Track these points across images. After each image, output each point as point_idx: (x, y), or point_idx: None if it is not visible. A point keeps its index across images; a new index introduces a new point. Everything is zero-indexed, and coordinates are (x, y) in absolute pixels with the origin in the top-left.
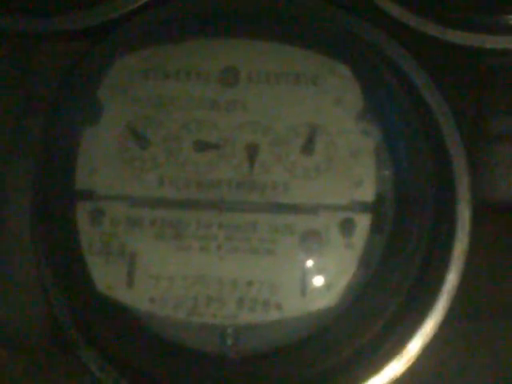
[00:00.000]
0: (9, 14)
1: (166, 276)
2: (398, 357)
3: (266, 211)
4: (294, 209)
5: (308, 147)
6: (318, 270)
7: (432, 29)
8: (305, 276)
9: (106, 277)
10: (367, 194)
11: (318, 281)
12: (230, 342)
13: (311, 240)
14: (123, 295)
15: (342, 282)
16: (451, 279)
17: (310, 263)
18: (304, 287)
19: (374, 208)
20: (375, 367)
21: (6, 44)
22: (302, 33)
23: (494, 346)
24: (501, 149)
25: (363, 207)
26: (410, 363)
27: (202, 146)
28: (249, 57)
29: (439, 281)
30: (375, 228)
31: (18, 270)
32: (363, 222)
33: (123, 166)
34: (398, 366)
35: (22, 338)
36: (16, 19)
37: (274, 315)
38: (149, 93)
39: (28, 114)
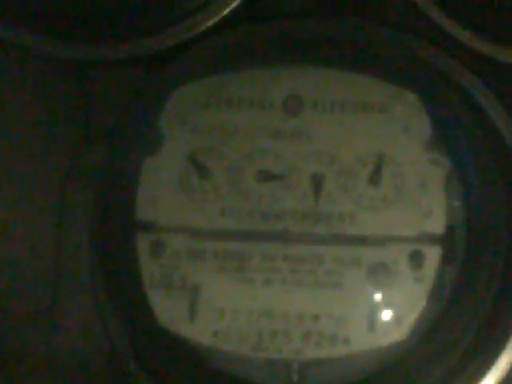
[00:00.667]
0: (71, 42)
1: (230, 309)
2: None
3: (332, 243)
4: (361, 241)
5: (375, 177)
6: (387, 304)
7: (505, 55)
8: (373, 310)
9: (167, 310)
10: (437, 225)
11: (387, 315)
12: (295, 377)
13: (379, 273)
14: (185, 329)
15: (412, 316)
16: None
17: (378, 297)
18: (372, 321)
19: (445, 240)
20: None
21: (67, 72)
22: (368, 60)
23: None
24: None
25: (433, 239)
26: None
27: (265, 177)
28: (313, 85)
29: None
30: (446, 260)
31: (78, 305)
32: (433, 254)
33: (184, 196)
34: None
35: (81, 370)
36: (77, 47)
37: (341, 350)
38: (210, 122)
39: (87, 142)
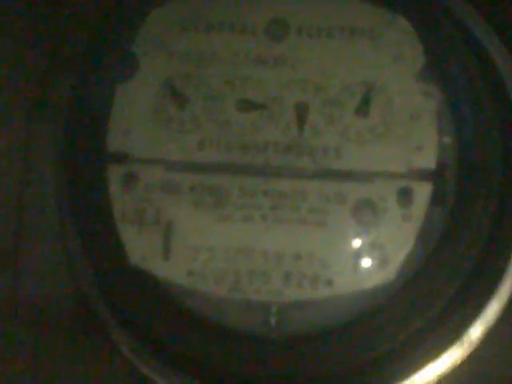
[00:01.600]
0: None
1: (206, 247)
2: (458, 342)
3: (316, 178)
4: (347, 176)
5: (363, 108)
6: (373, 244)
7: None
8: (358, 250)
9: (139, 247)
10: (428, 160)
11: (373, 256)
12: (273, 321)
13: (365, 210)
14: (158, 268)
15: (399, 257)
16: None
17: (363, 236)
18: (357, 262)
19: (435, 176)
20: (433, 353)
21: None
22: None
23: None
24: None
25: (423, 175)
26: (471, 349)
27: (246, 106)
28: (299, 8)
29: (504, 261)
30: (436, 198)
31: (42, 242)
32: (423, 191)
33: (160, 126)
34: (457, 352)
35: (47, 317)
36: None
37: (323, 292)
38: (188, 47)
39: (53, 71)
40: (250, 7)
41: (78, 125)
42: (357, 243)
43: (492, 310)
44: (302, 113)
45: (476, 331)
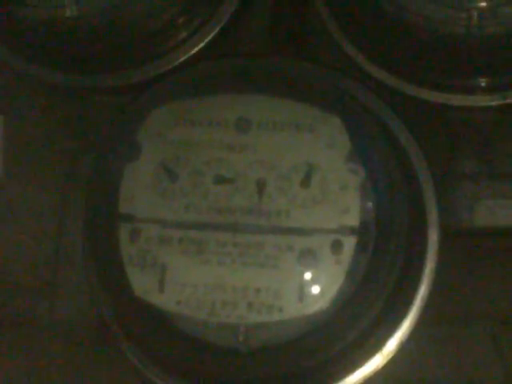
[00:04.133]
0: (73, 73)
1: (190, 284)
2: (379, 353)
3: (271, 233)
4: (294, 232)
5: (306, 182)
6: (313, 281)
7: (409, 89)
8: (302, 285)
9: (141, 283)
10: (353, 220)
11: (313, 290)
12: (241, 338)
13: (307, 257)
14: (155, 299)
15: (333, 290)
16: (422, 291)
17: (306, 275)
18: (301, 294)
19: (359, 232)
20: (360, 361)
21: (70, 96)
22: (302, 90)
23: (456, 345)
24: (464, 185)
25: (350, 231)
26: (389, 358)
27: (220, 180)
28: (259, 109)
29: (413, 292)
30: (360, 247)
31: (73, 278)
32: (350, 243)
33: (157, 195)
34: (379, 360)
35: (75, 333)
36: (77, 77)
37: (276, 316)
38: (178, 137)
39: (82, 153)
40: (223, 108)
41: (97, 192)
42: (301, 281)
43: (404, 328)
44: (261, 185)
45: (392, 344)
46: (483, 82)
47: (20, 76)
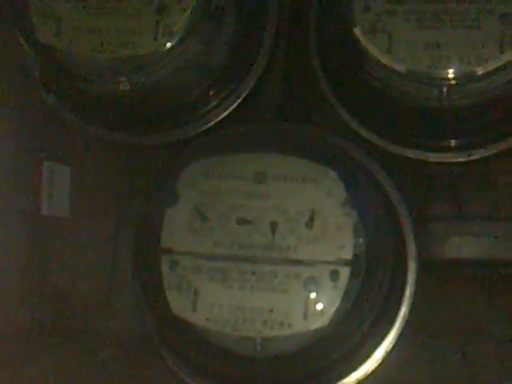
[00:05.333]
0: (125, 132)
1: (217, 304)
2: (370, 360)
3: (282, 264)
4: (301, 263)
5: (310, 223)
6: (315, 302)
7: (394, 148)
8: (307, 306)
9: (179, 304)
10: (348, 254)
11: (315, 310)
12: (258, 348)
13: (311, 283)
14: (189, 316)
15: (331, 310)
16: (403, 310)
17: (310, 298)
18: (306, 313)
19: (352, 263)
20: (354, 366)
21: (120, 151)
22: (308, 150)
23: (430, 354)
24: (437, 224)
25: (345, 262)
26: (378, 364)
27: (242, 221)
28: (273, 164)
29: (396, 311)
30: (353, 275)
31: (124, 299)
32: (345, 272)
33: (191, 232)
34: (369, 365)
35: (126, 346)
36: (125, 135)
37: (286, 331)
38: (209, 187)
39: (132, 197)
40: (244, 164)
41: (144, 230)
42: (306, 302)
43: (389, 340)
44: (274, 226)
45: (379, 353)
46: (453, 143)
47: (83, 135)
